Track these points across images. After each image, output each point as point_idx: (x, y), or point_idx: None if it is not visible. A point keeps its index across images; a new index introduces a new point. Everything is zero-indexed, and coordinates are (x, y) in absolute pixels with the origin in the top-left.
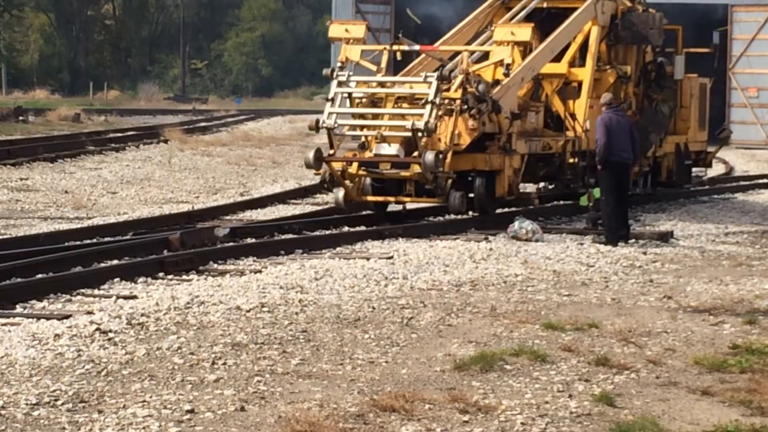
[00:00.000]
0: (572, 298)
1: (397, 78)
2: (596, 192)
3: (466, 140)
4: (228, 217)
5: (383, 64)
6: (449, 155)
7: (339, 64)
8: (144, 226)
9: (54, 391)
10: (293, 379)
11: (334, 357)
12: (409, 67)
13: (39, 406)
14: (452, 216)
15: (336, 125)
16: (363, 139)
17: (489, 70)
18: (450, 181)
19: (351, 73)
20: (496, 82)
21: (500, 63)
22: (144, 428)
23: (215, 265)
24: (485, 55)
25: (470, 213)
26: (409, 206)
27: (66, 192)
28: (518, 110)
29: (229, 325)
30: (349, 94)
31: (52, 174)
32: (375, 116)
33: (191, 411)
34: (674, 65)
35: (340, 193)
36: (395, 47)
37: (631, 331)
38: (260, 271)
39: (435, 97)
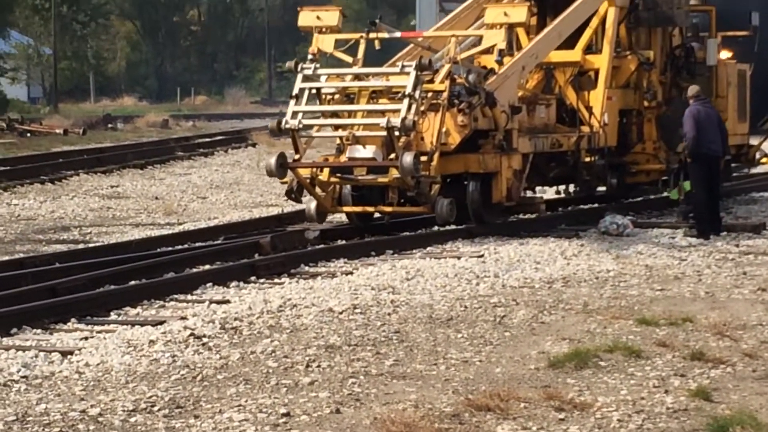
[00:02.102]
0: (665, 292)
1: (371, 69)
2: (687, 185)
3: (455, 139)
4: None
5: (360, 55)
6: (436, 156)
7: (310, 56)
8: (234, 230)
9: (150, 397)
10: (387, 380)
11: (427, 357)
12: (396, 59)
13: (136, 413)
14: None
15: (301, 126)
16: (338, 141)
17: (490, 59)
18: (436, 186)
19: (318, 66)
20: (492, 72)
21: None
22: None
23: (306, 268)
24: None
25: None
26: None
27: (156, 198)
28: (522, 103)
29: (322, 328)
30: (318, 89)
31: (142, 180)
32: (349, 114)
33: (287, 414)
34: (707, 50)
35: (312, 204)
36: (372, 35)
37: (726, 324)
38: (351, 273)
39: (414, 89)
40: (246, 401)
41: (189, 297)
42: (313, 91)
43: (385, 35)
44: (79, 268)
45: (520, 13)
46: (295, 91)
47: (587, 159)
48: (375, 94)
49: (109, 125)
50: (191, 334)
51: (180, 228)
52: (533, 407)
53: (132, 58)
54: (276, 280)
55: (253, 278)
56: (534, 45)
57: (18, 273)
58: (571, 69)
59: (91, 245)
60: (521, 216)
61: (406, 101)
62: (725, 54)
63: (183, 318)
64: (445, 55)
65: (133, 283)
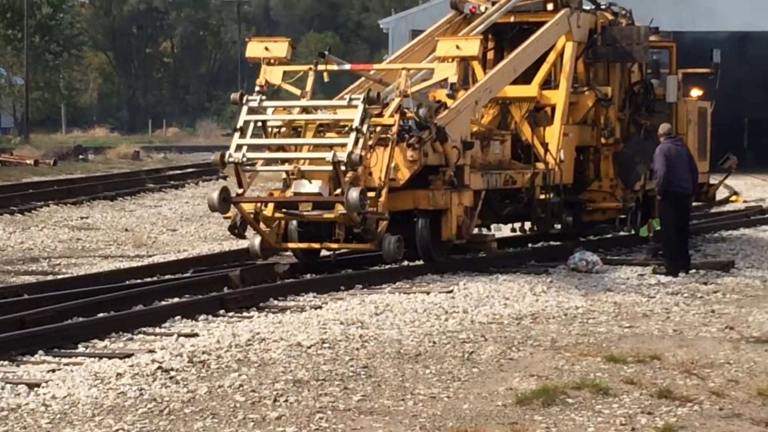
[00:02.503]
0: (634, 329)
1: (318, 102)
2: (656, 223)
3: (404, 174)
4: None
5: (308, 87)
6: (384, 192)
7: (257, 88)
8: (204, 263)
9: (117, 430)
10: (355, 415)
11: (395, 393)
12: (347, 92)
13: None
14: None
15: (245, 159)
16: (284, 175)
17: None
18: (384, 223)
19: (264, 98)
20: (444, 106)
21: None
22: None
23: (275, 302)
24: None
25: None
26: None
27: (126, 230)
28: (475, 138)
29: (291, 362)
30: (263, 122)
31: (113, 212)
32: (295, 148)
33: None
34: (666, 86)
35: (256, 240)
36: (321, 67)
37: (694, 362)
38: (320, 307)
39: (362, 123)
40: None
41: (157, 330)
42: (259, 123)
43: (335, 67)
44: (47, 299)
45: (472, 47)
46: (240, 123)
47: (542, 196)
48: (322, 128)
49: (80, 156)
50: (159, 368)
51: (149, 260)
52: None
53: (104, 89)
54: (245, 314)
55: (222, 312)
56: (488, 79)
57: None
58: (527, 104)
59: (59, 277)
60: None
61: (353, 135)
62: (696, 92)
63: (151, 351)
64: (396, 89)
65: (101, 315)
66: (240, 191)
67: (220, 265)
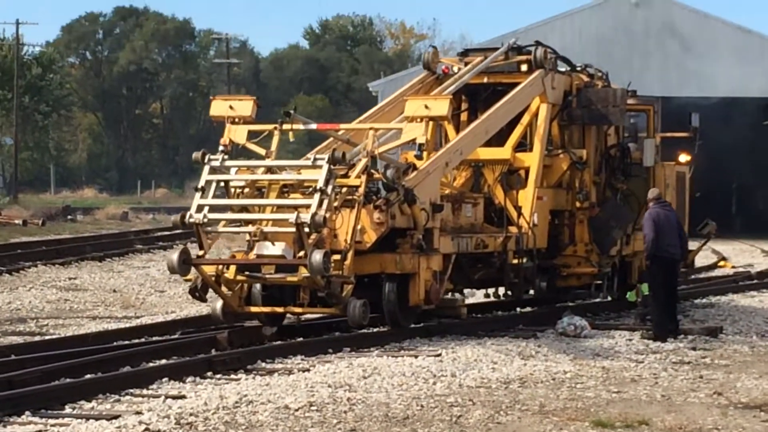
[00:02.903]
0: (622, 394)
1: (282, 162)
2: (644, 288)
3: (371, 237)
4: None
5: (273, 147)
6: (350, 255)
7: (222, 148)
8: (192, 324)
9: None
10: None
11: None
12: (314, 152)
13: None
14: (499, 312)
15: (206, 220)
16: (247, 237)
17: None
18: (349, 287)
19: (226, 157)
20: (413, 167)
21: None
22: None
23: (263, 364)
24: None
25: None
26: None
27: (114, 291)
28: (447, 201)
29: (278, 425)
30: (226, 182)
31: (101, 273)
32: (259, 209)
33: None
34: (643, 150)
35: (218, 303)
36: (286, 127)
37: (682, 428)
38: (308, 370)
39: (326, 184)
40: None
41: (145, 391)
42: (221, 183)
43: (300, 127)
44: (34, 360)
45: (441, 107)
46: (201, 183)
47: (515, 261)
48: (286, 188)
49: (69, 217)
50: (146, 429)
51: (137, 321)
52: None
53: (93, 149)
54: (233, 376)
55: (209, 374)
56: (459, 141)
57: None
58: (500, 167)
59: (47, 337)
60: (478, 316)
61: (317, 196)
62: (684, 157)
63: (138, 413)
64: (363, 149)
65: (88, 376)
66: (201, 253)
67: (207, 326)
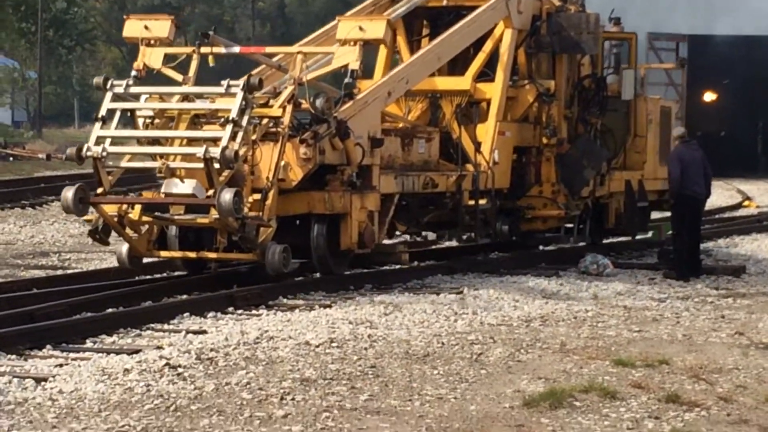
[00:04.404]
0: (643, 334)
1: (193, 89)
2: (667, 227)
3: (297, 174)
4: None
5: (191, 73)
6: (271, 195)
7: (134, 73)
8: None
9: (123, 426)
10: (361, 415)
11: (402, 393)
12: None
13: None
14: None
15: (105, 154)
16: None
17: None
18: (269, 230)
19: (131, 83)
20: (348, 96)
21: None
22: None
23: (285, 300)
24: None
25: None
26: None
27: None
28: (395, 135)
29: (298, 361)
30: (131, 111)
31: None
32: (169, 142)
33: None
34: (622, 82)
35: (124, 247)
36: (206, 50)
37: (702, 367)
38: (330, 306)
39: (241, 114)
40: None
41: (165, 326)
42: (127, 113)
43: (221, 50)
44: (56, 294)
45: (377, 28)
46: (102, 112)
47: (471, 202)
48: (200, 119)
49: None
50: (166, 364)
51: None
52: None
53: None
54: (254, 312)
55: (230, 309)
56: (404, 68)
57: None
58: (459, 98)
59: (69, 271)
60: (501, 254)
61: (229, 128)
62: (710, 96)
63: (159, 347)
64: (290, 76)
65: (110, 310)
66: (100, 191)
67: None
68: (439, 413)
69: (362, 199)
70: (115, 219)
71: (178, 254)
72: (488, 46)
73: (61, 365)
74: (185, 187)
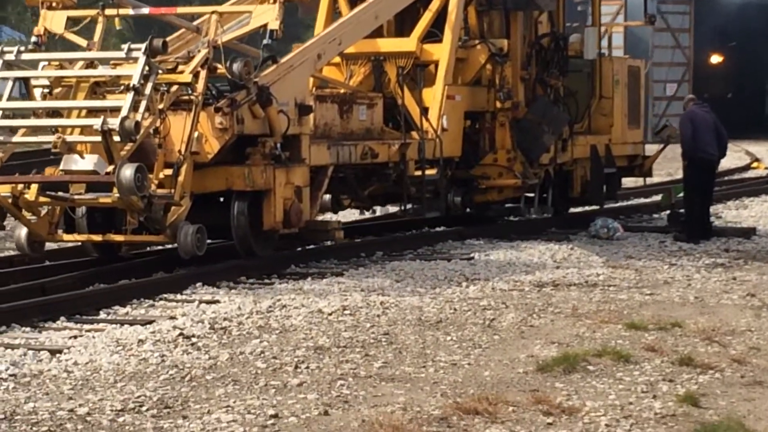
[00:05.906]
0: (654, 297)
1: (92, 54)
2: (677, 189)
3: (213, 147)
4: None
5: (96, 37)
6: (184, 170)
7: (34, 38)
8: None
9: (138, 397)
10: (376, 382)
11: (416, 359)
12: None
13: (124, 413)
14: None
15: None
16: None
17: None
18: (180, 209)
19: (23, 49)
20: (272, 60)
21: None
22: None
23: (296, 269)
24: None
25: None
26: None
27: None
28: (333, 102)
29: (311, 329)
30: (24, 79)
31: None
32: (67, 114)
33: (275, 416)
34: (585, 41)
35: (22, 231)
36: (111, 12)
37: (715, 329)
38: (341, 274)
39: (144, 80)
40: (234, 402)
41: (179, 297)
42: (20, 82)
43: (129, 11)
44: (69, 266)
45: None
46: None
47: (417, 173)
48: (102, 87)
49: None
50: (180, 334)
51: None
52: (521, 411)
53: None
54: (266, 281)
55: (242, 278)
56: (336, 28)
57: (7, 271)
58: (404, 60)
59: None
60: (512, 218)
61: (129, 96)
62: (716, 58)
63: (172, 318)
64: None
65: (122, 282)
66: None
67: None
68: (454, 379)
69: (287, 173)
70: (9, 200)
71: (82, 237)
72: (435, 4)
73: (75, 337)
74: (85, 163)
